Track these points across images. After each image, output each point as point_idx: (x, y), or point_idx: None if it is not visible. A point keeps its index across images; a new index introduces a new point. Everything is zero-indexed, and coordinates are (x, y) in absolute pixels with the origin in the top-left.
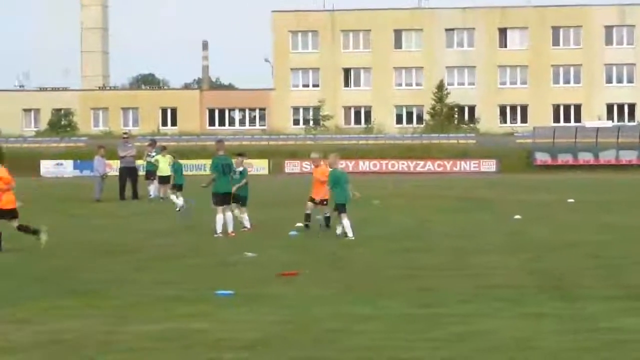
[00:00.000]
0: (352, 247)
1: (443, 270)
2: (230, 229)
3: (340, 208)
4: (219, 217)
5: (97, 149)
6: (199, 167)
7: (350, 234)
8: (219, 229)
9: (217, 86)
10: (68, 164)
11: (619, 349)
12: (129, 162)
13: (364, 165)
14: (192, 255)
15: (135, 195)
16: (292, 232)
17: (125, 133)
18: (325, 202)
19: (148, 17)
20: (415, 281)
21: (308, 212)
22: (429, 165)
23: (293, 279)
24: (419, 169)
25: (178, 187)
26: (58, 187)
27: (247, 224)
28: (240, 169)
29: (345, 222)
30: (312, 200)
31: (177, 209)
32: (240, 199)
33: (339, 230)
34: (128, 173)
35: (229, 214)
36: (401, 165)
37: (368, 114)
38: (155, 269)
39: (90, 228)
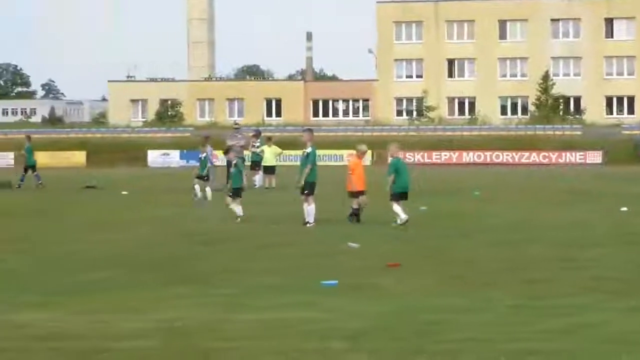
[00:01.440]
0: (455, 238)
1: (549, 262)
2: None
3: (396, 197)
4: (312, 207)
5: (205, 139)
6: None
7: (403, 216)
8: (312, 218)
9: (320, 77)
10: (174, 154)
11: None
12: (237, 152)
13: (468, 156)
14: (296, 245)
15: None
16: (395, 223)
17: (236, 123)
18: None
19: (253, 8)
20: (521, 273)
21: (356, 206)
22: (534, 157)
23: (396, 270)
24: (523, 160)
25: (201, 177)
26: (165, 177)
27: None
28: (234, 161)
29: (396, 207)
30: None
31: (196, 198)
32: (232, 191)
33: (399, 221)
34: None
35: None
36: (505, 156)
37: (472, 105)
38: (261, 258)
39: (196, 217)
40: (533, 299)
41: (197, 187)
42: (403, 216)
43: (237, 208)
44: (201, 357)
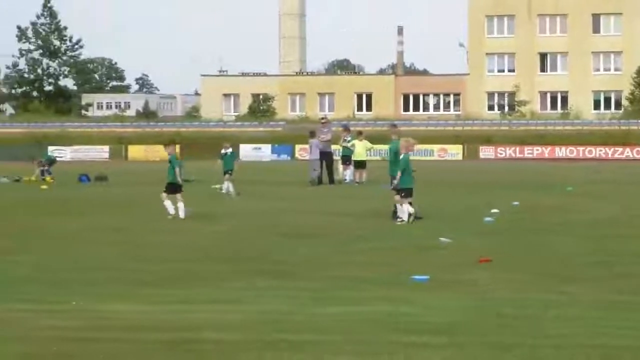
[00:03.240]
0: (548, 233)
1: None
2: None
3: (407, 192)
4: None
5: (311, 133)
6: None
7: (405, 217)
8: (406, 216)
9: (411, 71)
10: (266, 148)
11: None
12: (324, 146)
13: (560, 151)
14: (386, 239)
15: (331, 180)
16: (487, 219)
17: (323, 117)
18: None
19: (344, 2)
20: (613, 268)
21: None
22: (628, 152)
23: (487, 265)
24: (617, 155)
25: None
26: (256, 170)
27: (182, 214)
28: (169, 157)
29: (406, 207)
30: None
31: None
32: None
33: (404, 216)
34: (324, 157)
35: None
36: (598, 151)
37: (564, 100)
38: (350, 252)
39: (284, 210)
40: (623, 293)
41: (226, 183)
42: (412, 210)
43: (167, 203)
44: (287, 350)
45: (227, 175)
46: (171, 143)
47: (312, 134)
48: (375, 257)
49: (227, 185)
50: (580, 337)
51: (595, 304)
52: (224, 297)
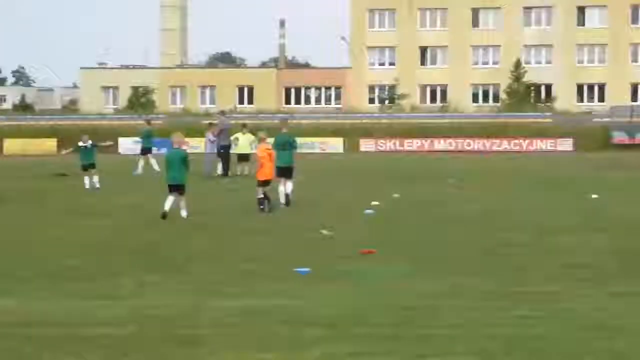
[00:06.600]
0: (429, 225)
1: (524, 247)
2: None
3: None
4: (281, 189)
5: (209, 126)
6: None
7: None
8: (283, 199)
9: (293, 64)
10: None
11: None
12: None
13: (440, 144)
14: (271, 232)
15: (225, 173)
16: (368, 211)
17: (222, 111)
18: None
19: None
20: (498, 259)
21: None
22: (505, 144)
23: (370, 257)
24: (495, 147)
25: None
26: (134, 163)
27: None
28: None
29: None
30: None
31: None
32: None
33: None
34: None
35: (289, 185)
36: (477, 144)
37: (444, 93)
38: (236, 245)
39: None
40: (509, 285)
41: (87, 178)
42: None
43: None
44: (175, 344)
45: (88, 170)
46: None
47: (209, 126)
48: (259, 249)
49: (88, 180)
50: (475, 327)
51: (485, 294)
52: (111, 292)
